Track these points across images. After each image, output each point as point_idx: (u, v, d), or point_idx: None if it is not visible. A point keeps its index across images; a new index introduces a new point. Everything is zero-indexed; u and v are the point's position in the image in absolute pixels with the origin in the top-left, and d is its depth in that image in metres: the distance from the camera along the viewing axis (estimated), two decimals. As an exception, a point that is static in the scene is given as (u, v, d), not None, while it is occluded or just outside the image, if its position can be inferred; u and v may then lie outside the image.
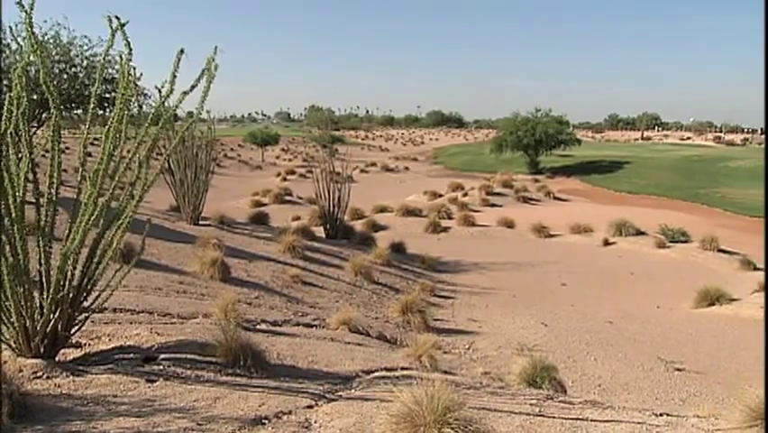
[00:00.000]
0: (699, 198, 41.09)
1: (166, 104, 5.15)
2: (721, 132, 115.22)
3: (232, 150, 79.25)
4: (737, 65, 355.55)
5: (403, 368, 6.95)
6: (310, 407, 4.74)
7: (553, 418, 4.85)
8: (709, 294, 14.81)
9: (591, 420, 4.88)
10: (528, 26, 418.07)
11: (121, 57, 5.01)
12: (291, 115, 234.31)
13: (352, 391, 5.40)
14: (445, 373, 7.50)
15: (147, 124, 5.06)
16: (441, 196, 38.49)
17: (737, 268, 19.48)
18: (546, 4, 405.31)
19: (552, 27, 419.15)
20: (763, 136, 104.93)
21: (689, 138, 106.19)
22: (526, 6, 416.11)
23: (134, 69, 5.06)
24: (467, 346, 10.23)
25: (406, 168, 69.28)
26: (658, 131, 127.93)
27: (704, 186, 45.47)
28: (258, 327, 7.93)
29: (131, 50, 4.95)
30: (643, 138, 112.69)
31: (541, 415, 4.90)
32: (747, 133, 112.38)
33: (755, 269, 19.25)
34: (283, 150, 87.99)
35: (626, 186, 48.55)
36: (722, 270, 19.45)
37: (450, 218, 28.24)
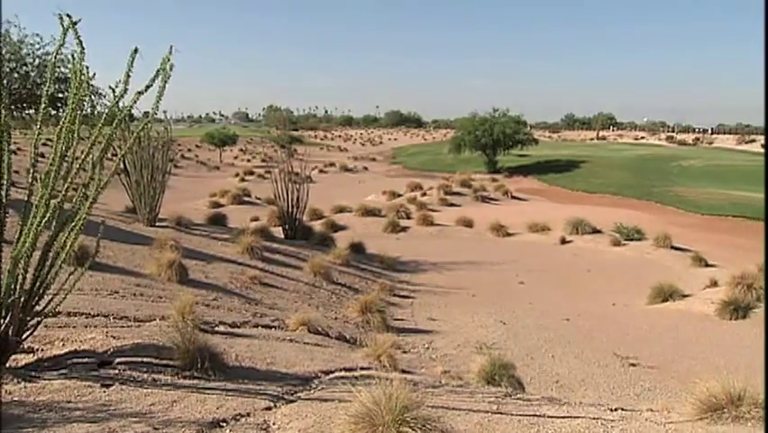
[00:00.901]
0: (653, 196, 41.83)
1: (120, 104, 5.07)
2: (674, 131, 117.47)
3: (189, 150, 78.47)
4: (688, 66, 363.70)
5: (362, 368, 6.95)
6: (269, 408, 4.71)
7: (511, 415, 4.90)
8: (663, 291, 15.10)
9: (548, 417, 4.94)
10: (486, 27, 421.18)
11: (73, 56, 4.93)
12: (249, 116, 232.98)
13: (312, 391, 5.38)
14: (405, 372, 7.52)
15: (100, 125, 4.98)
16: (400, 195, 38.58)
17: (690, 265, 19.89)
18: (501, 6, 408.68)
19: (509, 28, 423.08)
20: (713, 136, 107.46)
21: (643, 138, 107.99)
22: (483, 8, 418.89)
23: (87, 68, 4.97)
24: (426, 346, 10.26)
25: (365, 168, 69.35)
26: (613, 130, 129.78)
27: (657, 184, 46.31)
28: (216, 328, 7.85)
29: (83, 48, 4.87)
30: (598, 138, 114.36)
31: (499, 412, 4.94)
32: (698, 132, 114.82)
33: (707, 265, 19.70)
34: (241, 150, 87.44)
35: (583, 185, 49.21)
36: (675, 266, 19.83)
37: (409, 218, 28.32)
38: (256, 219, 24.88)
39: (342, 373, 6.41)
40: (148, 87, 4.88)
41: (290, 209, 19.32)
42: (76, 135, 4.92)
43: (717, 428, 4.69)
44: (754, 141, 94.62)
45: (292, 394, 5.17)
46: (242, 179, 52.29)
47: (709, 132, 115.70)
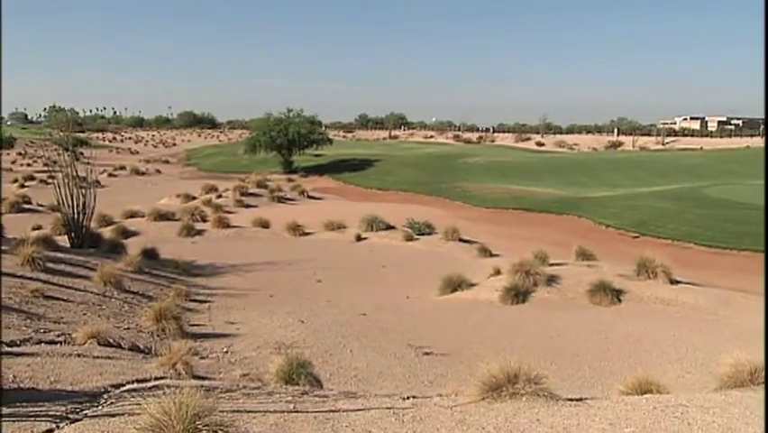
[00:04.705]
0: (442, 192, 43.98)
1: None
2: (460, 130, 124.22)
3: (-44, 155, 71.62)
4: (473, 67, 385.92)
5: (156, 378, 6.74)
6: (50, 431, 4.44)
7: (307, 412, 4.98)
8: (452, 281, 15.98)
9: (344, 411, 5.07)
10: (277, 25, 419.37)
11: None
12: (29, 116, 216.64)
13: (100, 408, 5.14)
14: (201, 378, 7.39)
15: None
16: (195, 198, 37.63)
17: (476, 255, 21.18)
18: (291, 5, 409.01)
19: (300, 26, 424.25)
20: (495, 135, 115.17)
21: (432, 137, 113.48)
22: (273, 5, 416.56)
23: None
24: (225, 349, 10.14)
25: (158, 171, 66.95)
26: (404, 130, 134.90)
27: (446, 181, 48.75)
28: (-10, 349, 7.25)
29: None
30: (391, 137, 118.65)
31: (296, 411, 5.00)
32: (482, 131, 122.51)
33: (491, 255, 21.08)
34: (20, 154, 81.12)
35: (376, 183, 50.74)
36: (463, 258, 21.01)
37: (204, 221, 27.69)
38: (38, 228, 23.21)
39: (135, 386, 6.18)
40: None
41: (76, 216, 18.23)
42: None
43: (497, 405, 5.06)
44: (529, 138, 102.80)
45: (78, 413, 4.90)
46: (22, 185, 48.44)
47: (491, 131, 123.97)
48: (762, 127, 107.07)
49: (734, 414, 4.90)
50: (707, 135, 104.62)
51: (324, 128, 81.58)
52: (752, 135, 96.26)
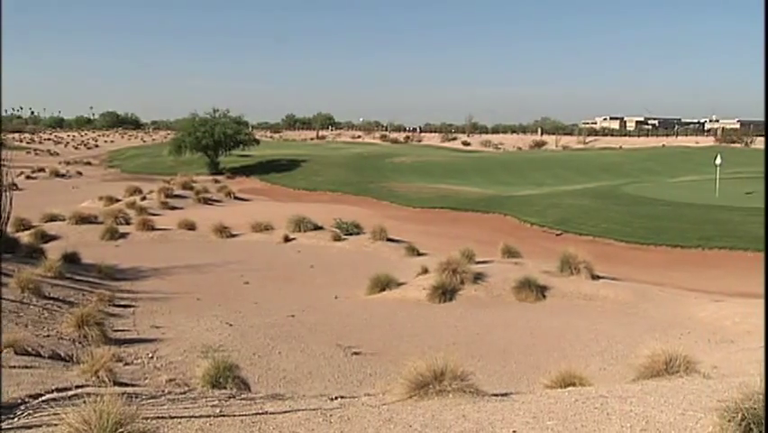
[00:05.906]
0: (370, 192, 44.14)
1: None
2: (387, 130, 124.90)
3: None
4: (400, 67, 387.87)
5: (77, 386, 6.55)
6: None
7: (234, 416, 4.94)
8: (380, 281, 16.06)
9: (270, 413, 5.05)
10: (202, 24, 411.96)
11: None
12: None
13: (15, 420, 4.96)
14: (126, 385, 7.23)
15: None
16: (118, 201, 36.71)
17: (404, 255, 21.35)
18: (215, 2, 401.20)
19: (225, 25, 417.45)
20: (422, 135, 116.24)
21: (359, 137, 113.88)
22: (197, 5, 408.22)
23: None
24: (150, 355, 9.96)
25: (79, 172, 64.97)
26: (332, 130, 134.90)
27: (373, 180, 48.99)
28: None
29: None
30: (318, 137, 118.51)
31: (222, 415, 4.95)
32: (409, 131, 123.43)
33: (419, 254, 21.27)
34: (-72, 156, 77.58)
35: (304, 183, 50.56)
36: (391, 257, 21.13)
37: (128, 224, 27.03)
38: (-51, 233, 22.30)
39: (54, 395, 5.99)
40: None
41: (-9, 220, 17.58)
42: None
43: (424, 403, 5.12)
44: (456, 138, 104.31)
45: (-9, 426, 4.73)
46: (-69, 189, 46.41)
47: (418, 130, 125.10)
48: (676, 127, 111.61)
49: (650, 403, 5.09)
50: (625, 135, 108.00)
51: (250, 129, 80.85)
52: (667, 135, 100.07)
